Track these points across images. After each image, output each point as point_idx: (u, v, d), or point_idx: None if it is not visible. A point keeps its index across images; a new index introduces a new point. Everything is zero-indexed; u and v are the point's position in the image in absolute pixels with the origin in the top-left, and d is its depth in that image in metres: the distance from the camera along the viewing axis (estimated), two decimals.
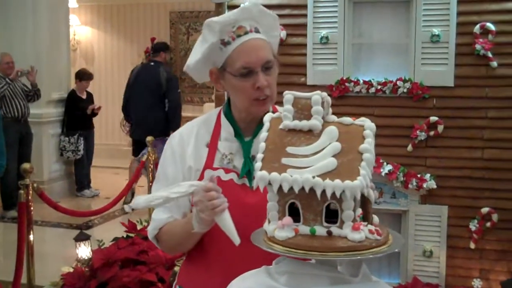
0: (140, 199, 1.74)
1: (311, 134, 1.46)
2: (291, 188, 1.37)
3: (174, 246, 2.06)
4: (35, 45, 8.38)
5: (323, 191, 1.35)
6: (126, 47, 11.85)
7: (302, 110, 1.48)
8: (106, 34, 12.04)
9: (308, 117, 1.47)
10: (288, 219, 1.40)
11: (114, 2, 11.73)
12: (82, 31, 12.12)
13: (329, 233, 1.38)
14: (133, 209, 1.83)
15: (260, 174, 1.39)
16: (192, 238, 1.92)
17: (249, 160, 1.91)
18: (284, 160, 1.41)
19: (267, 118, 1.53)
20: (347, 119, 1.50)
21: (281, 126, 1.48)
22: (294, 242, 1.38)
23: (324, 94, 1.50)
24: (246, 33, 1.90)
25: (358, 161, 1.39)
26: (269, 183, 1.40)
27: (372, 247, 1.38)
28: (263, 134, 1.48)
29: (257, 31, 1.92)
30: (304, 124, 1.46)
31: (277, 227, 1.40)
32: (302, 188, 1.36)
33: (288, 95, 1.49)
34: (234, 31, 1.91)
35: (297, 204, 1.40)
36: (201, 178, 1.93)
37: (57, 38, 8.68)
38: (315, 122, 1.46)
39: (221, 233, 1.78)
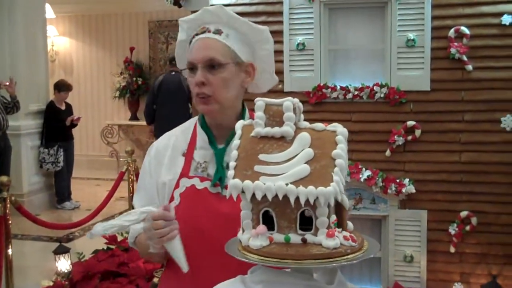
0: (98, 227, 1.76)
1: (283, 141, 1.45)
2: (264, 196, 1.35)
3: (147, 257, 2.05)
4: (12, 57, 8.30)
5: (297, 198, 1.33)
6: (105, 57, 11.81)
7: (274, 116, 1.46)
8: (85, 45, 11.98)
9: (280, 123, 1.46)
10: (262, 228, 1.38)
11: (92, 12, 11.68)
12: (60, 41, 12.06)
13: (304, 240, 1.36)
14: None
15: (233, 182, 1.37)
16: (155, 254, 1.89)
17: (221, 167, 1.90)
18: (257, 168, 1.40)
19: (238, 125, 1.51)
20: (319, 125, 1.49)
21: (253, 134, 1.46)
22: (269, 250, 1.36)
23: (296, 100, 1.48)
24: (203, 32, 1.90)
25: (331, 167, 1.38)
26: (242, 191, 1.38)
27: (347, 253, 1.37)
28: (235, 141, 1.46)
29: (217, 33, 1.90)
30: (276, 130, 1.44)
31: (252, 236, 1.39)
32: (276, 196, 1.34)
33: (260, 101, 1.47)
34: (198, 30, 1.93)
35: (271, 212, 1.38)
36: (176, 186, 1.93)
37: (34, 49, 8.61)
38: (287, 128, 1.45)
39: (199, 243, 1.81)
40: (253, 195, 1.36)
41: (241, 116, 1.97)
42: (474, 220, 4.39)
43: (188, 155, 1.98)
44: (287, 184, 1.34)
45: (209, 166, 1.94)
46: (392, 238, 4.51)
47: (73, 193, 9.05)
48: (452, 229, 4.42)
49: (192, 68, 1.91)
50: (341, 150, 1.40)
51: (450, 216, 4.44)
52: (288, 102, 1.47)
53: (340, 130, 1.46)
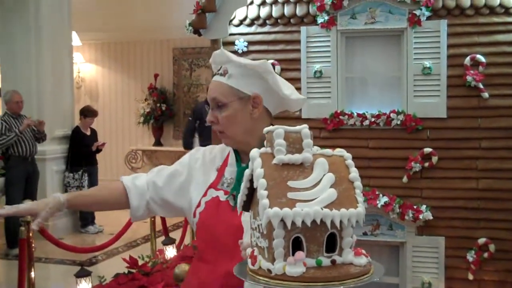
0: None
1: (303, 167, 1.49)
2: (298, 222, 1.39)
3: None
4: (39, 83, 8.48)
5: (327, 222, 1.38)
6: (130, 84, 11.99)
7: (294, 143, 1.51)
8: (110, 71, 12.18)
9: (300, 150, 1.50)
10: (302, 254, 1.39)
11: (117, 40, 11.89)
12: (86, 68, 12.28)
13: (333, 262, 1.40)
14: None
15: (273, 212, 1.37)
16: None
17: (237, 184, 2.06)
18: (290, 195, 1.42)
19: (255, 154, 1.53)
20: (328, 151, 1.54)
21: (275, 161, 1.49)
22: (312, 275, 1.37)
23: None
24: (216, 74, 2.14)
25: (352, 189, 1.45)
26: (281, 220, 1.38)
27: (371, 269, 1.44)
28: (259, 170, 1.48)
29: (222, 74, 2.11)
30: (297, 157, 1.49)
31: (288, 264, 1.39)
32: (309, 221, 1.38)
33: (279, 129, 1.52)
34: (215, 71, 2.15)
35: (300, 238, 1.40)
36: (204, 195, 2.15)
37: (60, 75, 8.79)
38: (307, 155, 1.49)
39: (213, 246, 2.06)
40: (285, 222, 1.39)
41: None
42: (492, 247, 4.38)
43: (221, 170, 2.19)
44: (322, 209, 1.38)
45: (234, 182, 2.12)
46: (410, 265, 4.51)
47: (96, 217, 9.14)
48: (470, 256, 4.41)
49: (209, 108, 2.16)
50: (356, 173, 1.48)
51: (467, 243, 4.43)
52: (306, 129, 1.53)
53: (347, 155, 1.54)
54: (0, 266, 7.45)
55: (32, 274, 4.62)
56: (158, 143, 11.41)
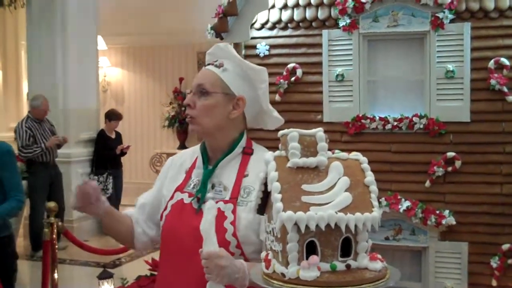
0: None
1: (318, 171, 1.50)
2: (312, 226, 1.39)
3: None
4: (65, 87, 8.60)
5: (341, 226, 1.39)
6: (155, 88, 12.07)
7: (308, 147, 1.52)
8: (136, 75, 12.28)
9: (314, 153, 1.51)
10: (316, 258, 1.39)
11: (143, 44, 11.98)
12: (112, 72, 12.39)
13: (348, 266, 1.40)
14: None
15: (287, 215, 1.38)
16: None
17: (203, 186, 2.09)
18: (304, 198, 1.43)
19: (270, 157, 1.55)
20: (343, 154, 1.55)
21: (289, 164, 1.50)
22: (326, 280, 1.38)
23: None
24: (210, 64, 2.14)
25: (367, 193, 1.46)
26: (294, 223, 1.39)
27: (386, 273, 1.43)
28: (273, 173, 1.49)
29: (217, 66, 2.11)
30: (312, 161, 1.50)
31: (302, 268, 1.39)
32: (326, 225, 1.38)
33: (294, 132, 1.53)
34: (209, 62, 2.18)
35: (315, 242, 1.41)
36: (171, 198, 2.17)
37: (86, 79, 8.91)
38: (322, 158, 1.51)
39: (176, 248, 2.07)
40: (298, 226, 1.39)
41: (235, 143, 2.12)
42: None
43: (188, 172, 2.21)
44: (336, 213, 1.39)
45: (200, 184, 2.12)
46: (433, 270, 4.45)
47: None
48: (494, 262, 4.34)
49: (190, 92, 2.16)
50: (371, 177, 1.49)
51: (491, 249, 4.36)
52: (320, 132, 1.53)
53: (363, 159, 1.54)
54: (25, 267, 7.53)
55: (55, 275, 4.67)
56: (182, 146, 11.45)
